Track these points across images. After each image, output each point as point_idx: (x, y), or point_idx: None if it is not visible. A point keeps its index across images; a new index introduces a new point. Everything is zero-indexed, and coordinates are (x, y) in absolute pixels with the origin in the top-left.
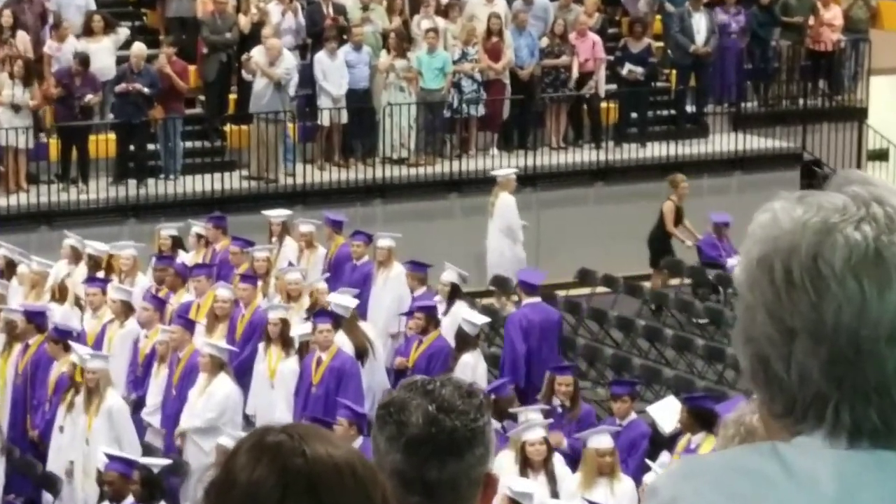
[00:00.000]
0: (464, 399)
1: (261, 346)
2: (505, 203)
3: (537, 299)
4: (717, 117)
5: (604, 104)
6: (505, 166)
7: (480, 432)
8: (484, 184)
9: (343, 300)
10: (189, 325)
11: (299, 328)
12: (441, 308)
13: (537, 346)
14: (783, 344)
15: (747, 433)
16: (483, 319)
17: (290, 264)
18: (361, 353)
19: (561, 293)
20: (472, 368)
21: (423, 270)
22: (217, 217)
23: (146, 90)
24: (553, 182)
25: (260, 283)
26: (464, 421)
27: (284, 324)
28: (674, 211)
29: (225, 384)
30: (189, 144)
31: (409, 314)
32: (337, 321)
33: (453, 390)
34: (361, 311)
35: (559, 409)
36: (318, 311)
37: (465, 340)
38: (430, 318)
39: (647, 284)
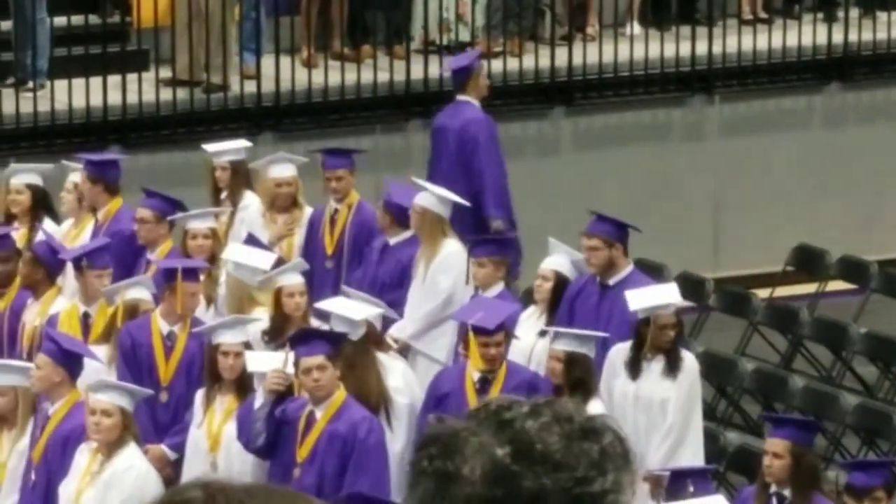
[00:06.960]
0: (569, 441)
1: (199, 394)
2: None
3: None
4: None
5: None
6: (654, 53)
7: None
8: (612, 88)
9: (350, 309)
10: (66, 358)
11: (263, 361)
12: (537, 322)
13: None
14: None
15: None
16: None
17: (252, 241)
18: (374, 408)
19: (761, 292)
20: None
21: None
22: (97, 163)
23: None
24: (745, 85)
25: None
26: (563, 480)
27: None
28: None
29: (133, 463)
30: (62, 22)
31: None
32: (338, 348)
33: (551, 423)
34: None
35: None
36: (300, 332)
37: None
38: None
39: None
